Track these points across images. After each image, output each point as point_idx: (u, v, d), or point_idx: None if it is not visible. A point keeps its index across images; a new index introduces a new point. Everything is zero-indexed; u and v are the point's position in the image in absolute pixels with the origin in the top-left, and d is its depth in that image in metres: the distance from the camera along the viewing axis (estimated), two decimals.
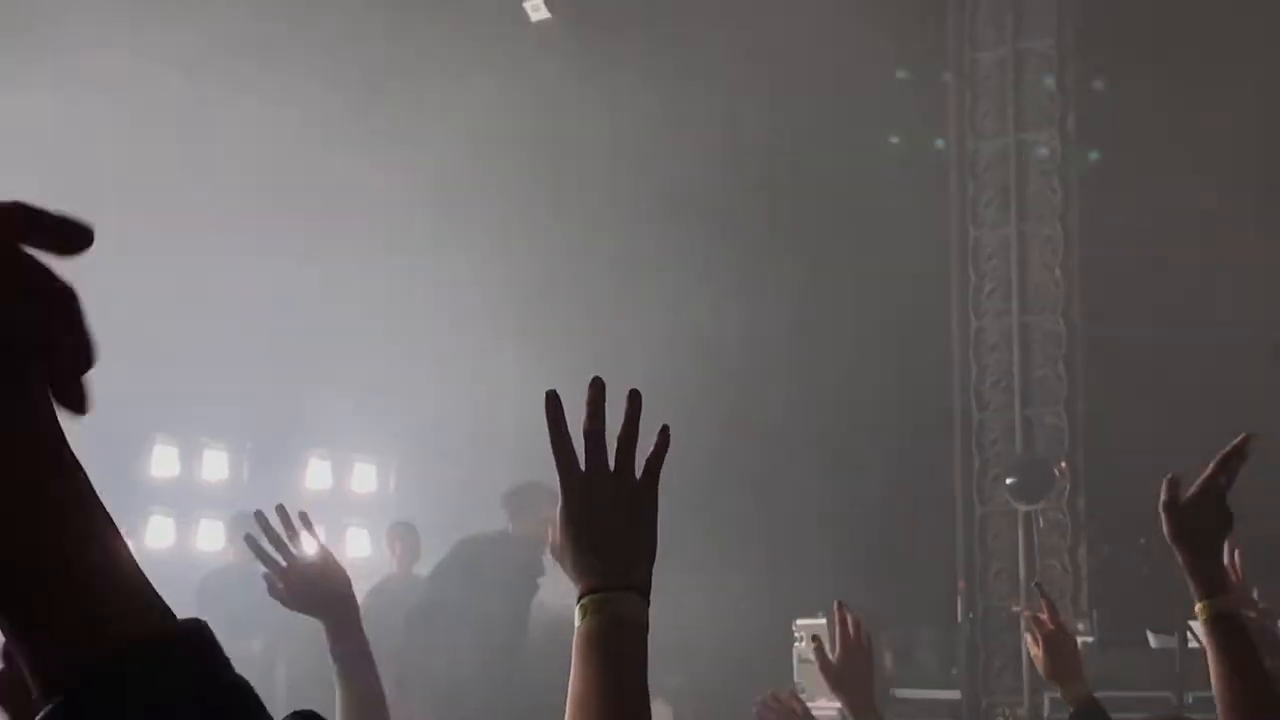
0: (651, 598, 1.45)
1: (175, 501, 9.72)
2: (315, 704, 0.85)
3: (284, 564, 2.43)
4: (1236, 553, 2.95)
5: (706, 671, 8.50)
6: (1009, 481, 8.18)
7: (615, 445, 1.47)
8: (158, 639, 0.61)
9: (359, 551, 10.81)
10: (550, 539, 1.50)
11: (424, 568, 7.89)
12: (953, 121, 9.10)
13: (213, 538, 9.52)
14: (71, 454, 0.64)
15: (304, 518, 2.49)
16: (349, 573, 2.48)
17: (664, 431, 1.50)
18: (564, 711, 1.38)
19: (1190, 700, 6.26)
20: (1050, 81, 8.82)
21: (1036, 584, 7.11)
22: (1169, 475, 2.24)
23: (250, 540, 2.47)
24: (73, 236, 0.64)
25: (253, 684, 0.63)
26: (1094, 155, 8.90)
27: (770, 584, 8.35)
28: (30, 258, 0.63)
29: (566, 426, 1.45)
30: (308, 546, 2.46)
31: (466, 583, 6.46)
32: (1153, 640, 7.38)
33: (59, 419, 0.65)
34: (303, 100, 8.34)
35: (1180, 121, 8.12)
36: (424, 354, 9.78)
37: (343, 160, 8.96)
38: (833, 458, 9.07)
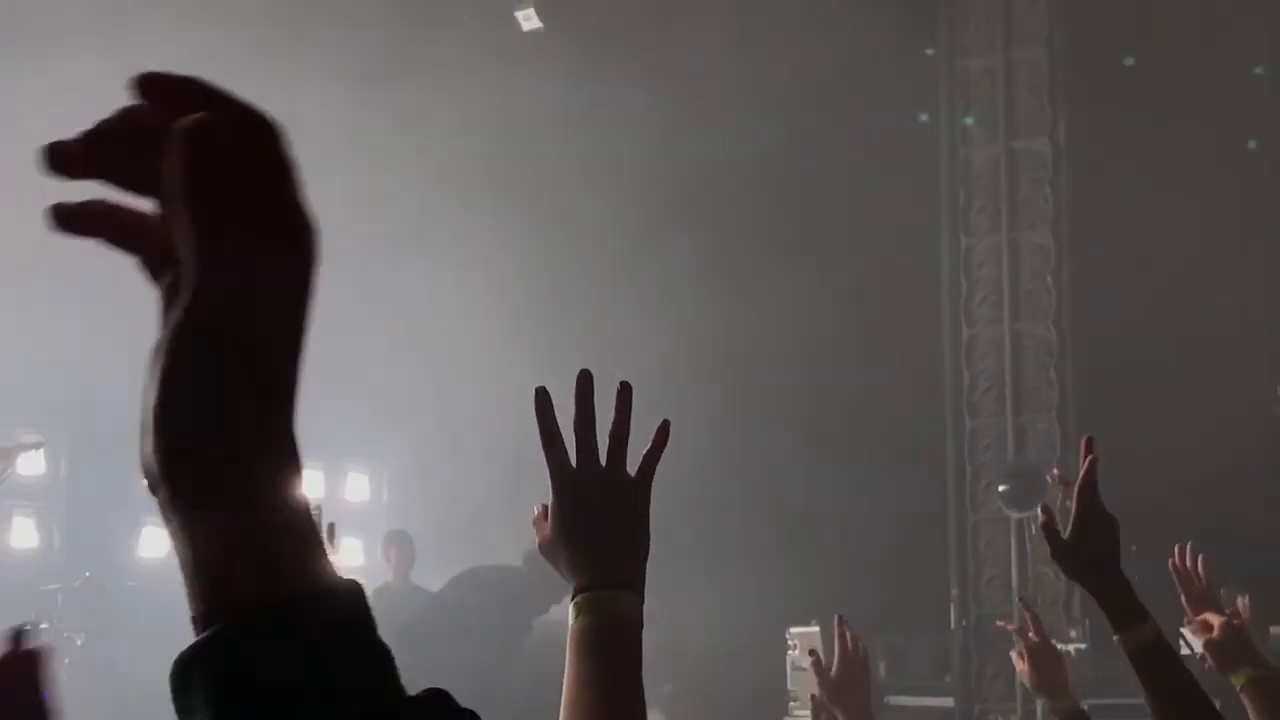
0: (643, 605, 1.42)
1: None
2: None
3: None
4: (1200, 558, 2.94)
5: (699, 678, 8.51)
6: (1001, 489, 8.19)
7: (607, 441, 1.44)
8: (325, 590, 0.63)
9: (353, 561, 10.81)
10: (541, 536, 1.48)
11: (419, 575, 7.90)
12: (944, 129, 9.13)
13: None
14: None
15: (331, 530, 2.44)
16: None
17: (663, 427, 1.47)
18: (558, 712, 1.36)
19: None
20: (1041, 89, 8.84)
21: (1021, 598, 7.13)
22: (1041, 518, 2.14)
23: None
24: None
25: None
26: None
27: (762, 591, 8.36)
28: None
29: (556, 422, 1.43)
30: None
31: (457, 612, 6.50)
32: None
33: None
34: (296, 106, 8.33)
35: (1170, 130, 8.15)
36: (416, 363, 9.78)
37: (336, 171, 8.96)
38: (825, 465, 9.08)
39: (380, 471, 11.31)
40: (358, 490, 11.20)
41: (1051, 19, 8.89)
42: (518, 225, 9.54)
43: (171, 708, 0.63)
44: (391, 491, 11.22)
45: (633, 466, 1.47)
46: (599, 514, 1.43)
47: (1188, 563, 2.92)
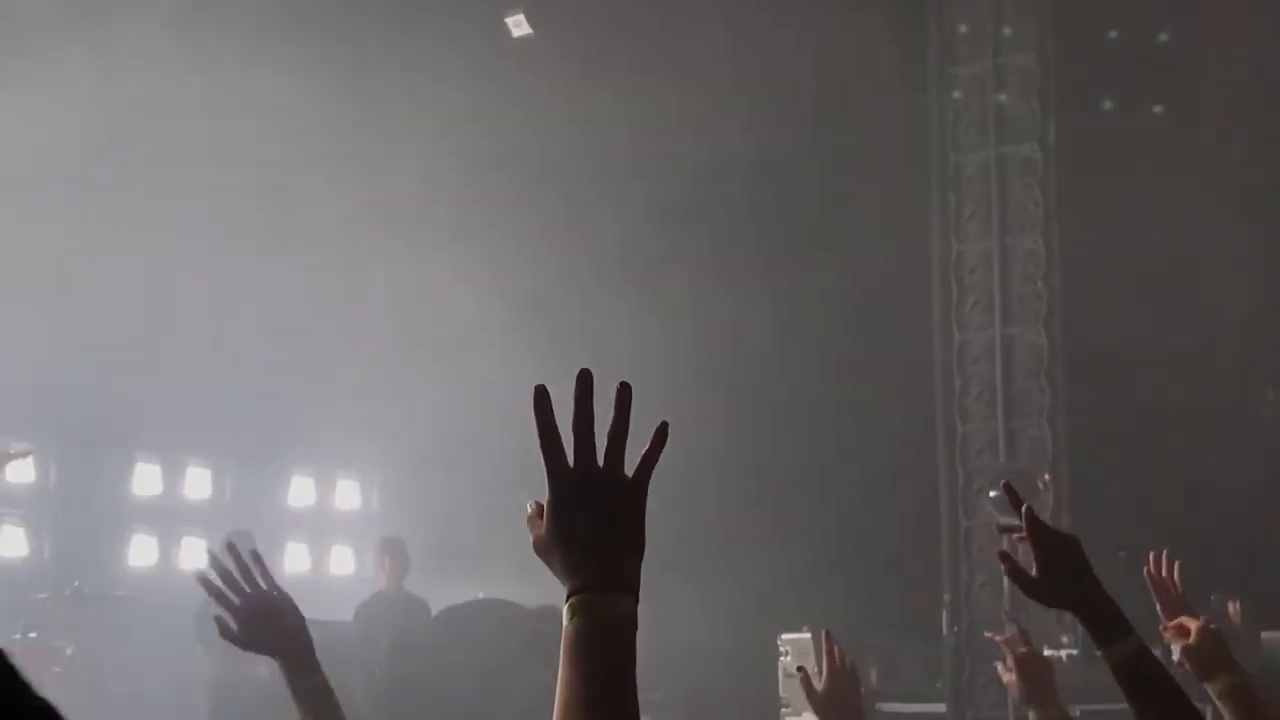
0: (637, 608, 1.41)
1: (158, 520, 9.67)
2: None
3: (238, 603, 2.37)
4: (1177, 565, 2.94)
5: (690, 685, 8.50)
6: (992, 494, 8.19)
7: (605, 440, 1.43)
8: None
9: (343, 568, 10.78)
10: (535, 535, 1.46)
11: (411, 582, 7.88)
12: (934, 135, 9.14)
13: (196, 557, 9.47)
14: None
15: (255, 556, 2.42)
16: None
17: (662, 428, 1.46)
18: (551, 714, 1.35)
19: None
20: (1031, 95, 8.86)
21: (1007, 611, 7.12)
22: (1005, 567, 2.13)
23: (205, 582, 2.40)
24: None
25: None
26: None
27: (754, 597, 8.35)
28: None
29: (554, 421, 1.41)
30: (261, 584, 2.40)
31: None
32: None
33: None
34: (292, 112, 8.31)
35: (1163, 133, 8.17)
36: (407, 370, 9.77)
37: (333, 180, 8.95)
38: (817, 471, 9.08)
39: (371, 478, 11.29)
40: (348, 497, 11.17)
41: (1042, 24, 8.91)
42: (514, 231, 9.53)
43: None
44: (382, 498, 11.19)
45: (631, 467, 1.46)
46: (595, 514, 1.41)
47: (1163, 571, 2.92)
